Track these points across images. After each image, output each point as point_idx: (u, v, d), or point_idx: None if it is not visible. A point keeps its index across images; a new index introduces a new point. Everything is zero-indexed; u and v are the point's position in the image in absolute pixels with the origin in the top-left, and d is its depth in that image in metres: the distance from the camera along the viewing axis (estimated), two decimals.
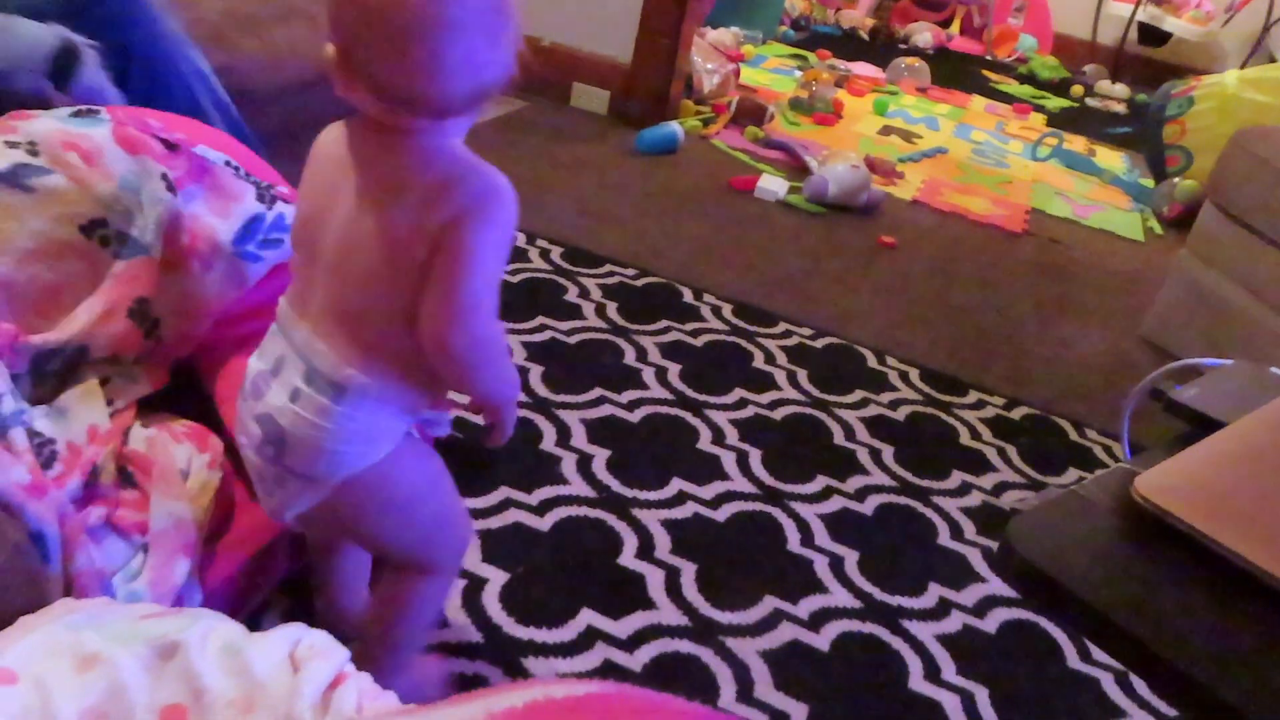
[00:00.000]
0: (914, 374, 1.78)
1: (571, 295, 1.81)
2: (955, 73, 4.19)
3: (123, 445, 0.92)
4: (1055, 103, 4.14)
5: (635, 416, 1.49)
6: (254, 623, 0.69)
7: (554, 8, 2.77)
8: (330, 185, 0.75)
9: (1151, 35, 4.74)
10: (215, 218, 1.01)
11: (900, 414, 1.65)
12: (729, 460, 1.43)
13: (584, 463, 1.35)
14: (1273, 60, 4.23)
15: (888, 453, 1.53)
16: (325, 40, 0.70)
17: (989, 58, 4.63)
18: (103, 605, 0.71)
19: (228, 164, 1.05)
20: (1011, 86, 4.25)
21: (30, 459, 0.82)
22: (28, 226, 0.92)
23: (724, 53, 3.21)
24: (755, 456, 1.45)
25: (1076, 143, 3.56)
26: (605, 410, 1.48)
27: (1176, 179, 2.94)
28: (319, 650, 0.64)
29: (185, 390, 1.03)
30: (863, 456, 1.51)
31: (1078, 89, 4.33)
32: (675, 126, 2.67)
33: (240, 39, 1.54)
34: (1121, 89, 4.44)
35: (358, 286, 0.74)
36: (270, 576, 1.01)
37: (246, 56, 1.52)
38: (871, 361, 1.79)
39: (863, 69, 3.86)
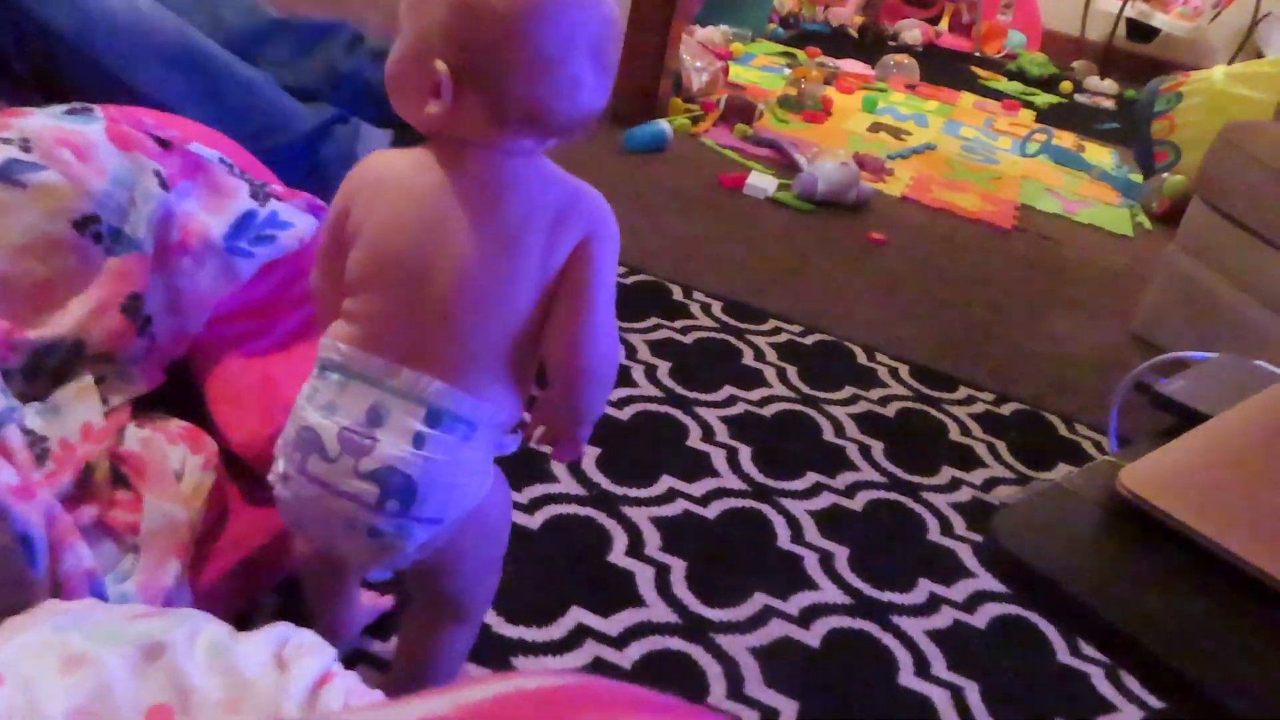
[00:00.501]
0: (903, 370, 1.78)
1: None
2: (944, 69, 4.20)
3: (117, 445, 0.92)
4: (1044, 99, 4.16)
5: (625, 414, 1.49)
6: (243, 623, 0.68)
7: None
8: (427, 222, 0.72)
9: (1140, 31, 4.76)
10: (208, 214, 1.01)
11: (890, 410, 1.65)
12: (719, 457, 1.44)
13: (573, 460, 1.35)
14: (1260, 55, 4.24)
15: (877, 449, 1.53)
16: (419, 57, 0.69)
17: (978, 54, 4.64)
18: (89, 606, 0.70)
19: (221, 161, 1.05)
20: (1000, 83, 4.26)
21: (24, 457, 0.81)
22: (20, 222, 0.92)
23: (713, 50, 3.21)
24: (745, 453, 1.45)
25: (1065, 139, 3.57)
26: None
27: (1165, 174, 2.95)
28: (306, 649, 0.64)
29: (179, 390, 1.03)
30: (852, 453, 1.51)
31: (1066, 85, 4.35)
32: (664, 125, 2.67)
33: None
34: (1110, 85, 4.46)
35: (488, 323, 0.73)
36: (262, 582, 1.00)
37: None
38: (861, 358, 1.80)
39: (852, 66, 3.86)
